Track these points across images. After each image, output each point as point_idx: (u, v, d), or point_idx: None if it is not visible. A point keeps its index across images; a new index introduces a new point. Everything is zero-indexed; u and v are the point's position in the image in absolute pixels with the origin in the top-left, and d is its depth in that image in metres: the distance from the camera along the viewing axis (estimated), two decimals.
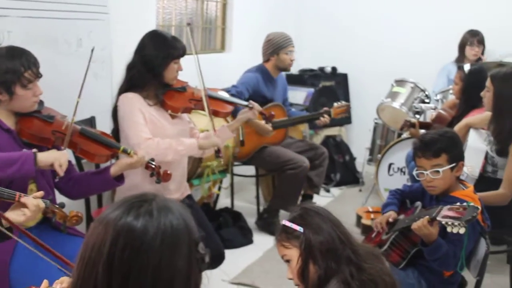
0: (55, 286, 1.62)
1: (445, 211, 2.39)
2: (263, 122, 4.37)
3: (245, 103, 3.70)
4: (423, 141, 2.76)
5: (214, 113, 3.48)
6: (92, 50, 2.73)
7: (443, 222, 2.32)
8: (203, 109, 3.36)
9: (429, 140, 2.74)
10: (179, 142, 3.19)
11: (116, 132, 3.22)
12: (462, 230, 2.26)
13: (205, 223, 3.39)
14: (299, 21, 6.76)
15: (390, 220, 2.86)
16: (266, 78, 4.80)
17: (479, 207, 2.34)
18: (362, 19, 6.50)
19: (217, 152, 3.42)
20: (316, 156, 4.89)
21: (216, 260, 3.29)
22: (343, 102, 4.86)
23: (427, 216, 2.48)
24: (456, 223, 2.26)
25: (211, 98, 3.48)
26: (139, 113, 3.12)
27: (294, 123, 5.04)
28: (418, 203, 2.85)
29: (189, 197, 3.47)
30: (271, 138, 4.72)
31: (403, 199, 3.06)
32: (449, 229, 2.29)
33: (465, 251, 2.50)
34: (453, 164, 2.69)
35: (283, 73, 5.10)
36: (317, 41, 6.72)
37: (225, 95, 3.77)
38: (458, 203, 2.41)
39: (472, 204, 2.35)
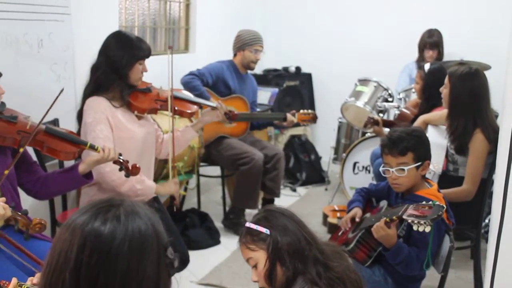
0: (28, 282, 1.59)
1: (411, 210, 2.41)
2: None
3: (210, 103, 3.70)
4: (391, 138, 2.79)
5: (180, 114, 3.47)
6: (61, 91, 2.67)
7: (409, 221, 2.34)
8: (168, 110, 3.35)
9: (397, 138, 2.77)
10: (140, 180, 3.17)
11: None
12: (427, 229, 2.28)
13: (171, 226, 3.38)
14: (263, 21, 6.76)
15: (357, 219, 2.88)
16: (233, 70, 4.83)
17: (444, 206, 2.38)
18: (326, 20, 6.54)
19: (172, 199, 3.42)
20: (267, 159, 4.73)
21: (181, 264, 3.27)
22: (310, 111, 4.81)
23: (384, 218, 2.51)
24: (422, 222, 2.28)
25: (177, 98, 3.47)
26: (106, 124, 3.08)
27: (255, 119, 4.98)
28: (384, 202, 2.88)
29: (156, 199, 3.44)
30: (231, 130, 4.73)
31: (369, 198, 3.09)
32: (415, 228, 2.31)
33: (431, 250, 2.53)
34: (419, 163, 2.73)
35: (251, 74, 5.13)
36: (281, 41, 6.74)
37: (190, 95, 3.76)
38: (424, 202, 2.44)
39: (437, 203, 2.38)
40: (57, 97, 2.64)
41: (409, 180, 2.75)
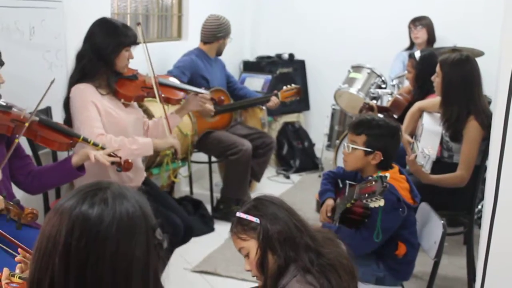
0: (17, 271, 1.60)
1: (361, 189, 2.42)
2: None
3: (197, 89, 3.70)
4: (360, 117, 2.89)
5: (166, 100, 3.48)
6: (52, 82, 2.68)
7: (364, 201, 2.36)
8: (155, 97, 3.35)
9: (363, 120, 2.83)
10: (133, 140, 3.13)
11: (68, 122, 3.17)
12: (382, 202, 2.31)
13: (168, 202, 3.40)
14: (257, 8, 6.75)
15: (328, 214, 2.87)
16: (204, 58, 4.84)
17: (388, 175, 2.37)
18: (319, 6, 6.52)
19: (174, 153, 3.39)
20: (262, 145, 4.88)
21: (188, 233, 3.33)
22: (293, 85, 4.85)
23: (347, 203, 2.55)
24: (373, 198, 2.31)
25: (163, 85, 3.48)
26: (92, 106, 3.06)
27: (238, 108, 5.04)
28: (346, 182, 2.85)
29: (146, 182, 3.45)
30: (216, 123, 4.76)
31: (336, 182, 3.09)
32: (371, 205, 2.34)
33: (381, 221, 2.55)
34: (368, 149, 2.74)
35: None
36: (274, 28, 6.72)
37: (176, 81, 3.76)
38: (369, 177, 2.45)
39: (379, 175, 2.38)
40: (48, 88, 2.65)
41: (355, 161, 2.80)
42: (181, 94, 3.56)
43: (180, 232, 3.24)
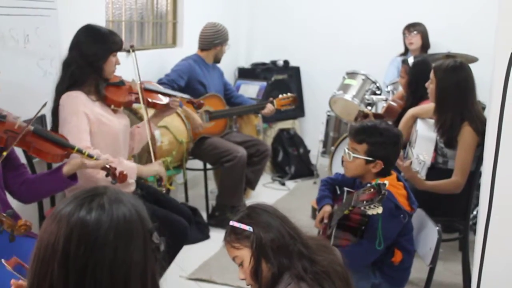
0: None
1: (360, 196, 2.42)
2: (196, 115, 4.45)
3: (181, 95, 3.71)
4: (362, 124, 2.85)
5: (153, 106, 3.49)
6: (44, 105, 2.68)
7: (362, 208, 2.36)
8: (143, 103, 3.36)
9: (364, 127, 2.80)
10: (119, 162, 3.08)
11: (55, 130, 3.16)
12: (380, 209, 2.31)
13: (166, 200, 3.44)
14: (252, 15, 6.77)
15: (325, 221, 2.87)
16: (202, 64, 4.88)
17: (386, 182, 2.38)
18: (314, 13, 6.54)
19: (159, 180, 3.37)
20: (257, 153, 4.89)
21: (189, 222, 3.35)
22: (289, 94, 4.92)
23: (344, 210, 2.55)
24: (371, 206, 2.31)
25: (148, 90, 3.48)
26: (83, 116, 3.04)
27: (233, 114, 5.08)
28: (344, 189, 2.85)
29: (142, 186, 3.44)
30: (211, 129, 4.77)
31: (334, 188, 3.08)
32: (369, 212, 2.34)
33: (382, 229, 2.55)
34: (370, 158, 2.73)
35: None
36: (269, 35, 6.74)
37: (160, 87, 3.78)
38: (368, 184, 2.45)
39: (378, 182, 2.38)
40: (40, 110, 2.65)
41: (355, 168, 2.79)
42: (166, 99, 3.56)
43: (184, 229, 3.25)
